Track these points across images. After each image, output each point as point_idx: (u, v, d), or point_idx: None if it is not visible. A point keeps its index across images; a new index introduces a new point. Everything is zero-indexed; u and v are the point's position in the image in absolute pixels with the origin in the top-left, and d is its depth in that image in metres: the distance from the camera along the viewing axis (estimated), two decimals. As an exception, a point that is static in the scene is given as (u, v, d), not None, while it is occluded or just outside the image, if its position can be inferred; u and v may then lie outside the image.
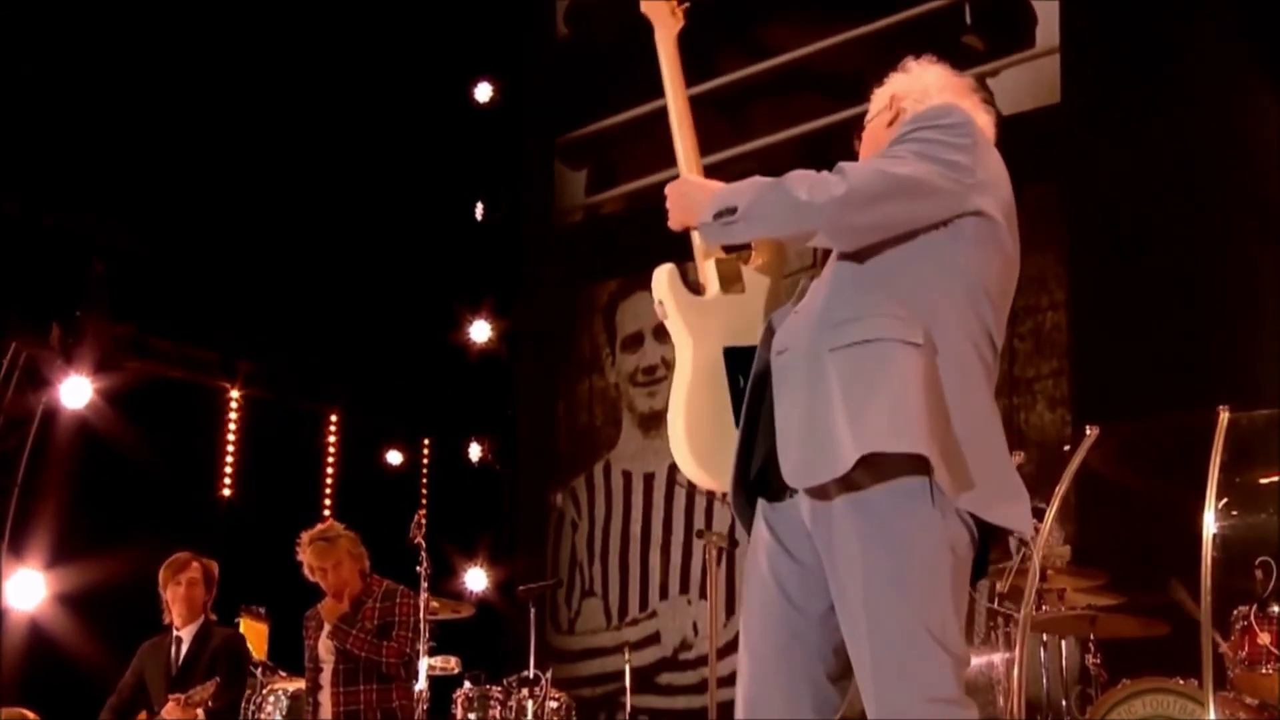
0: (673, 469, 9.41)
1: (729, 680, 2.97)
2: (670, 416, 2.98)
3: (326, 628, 6.34)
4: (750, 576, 2.96)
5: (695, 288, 3.09)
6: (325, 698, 6.28)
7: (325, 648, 6.35)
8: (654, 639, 9.69)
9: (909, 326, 2.73)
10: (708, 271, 3.08)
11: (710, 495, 9.04)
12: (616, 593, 10.04)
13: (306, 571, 6.43)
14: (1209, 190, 7.91)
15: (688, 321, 3.04)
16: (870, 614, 2.66)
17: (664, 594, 9.65)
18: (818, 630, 2.85)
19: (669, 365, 9.84)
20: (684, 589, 9.50)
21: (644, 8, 3.18)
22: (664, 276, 3.07)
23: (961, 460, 2.69)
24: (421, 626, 6.36)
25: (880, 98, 3.13)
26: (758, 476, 2.91)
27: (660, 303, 3.05)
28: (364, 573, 6.44)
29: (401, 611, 6.38)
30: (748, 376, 2.93)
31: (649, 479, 10.07)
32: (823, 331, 2.78)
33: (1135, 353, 7.89)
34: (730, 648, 3.01)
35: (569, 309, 10.77)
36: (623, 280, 10.42)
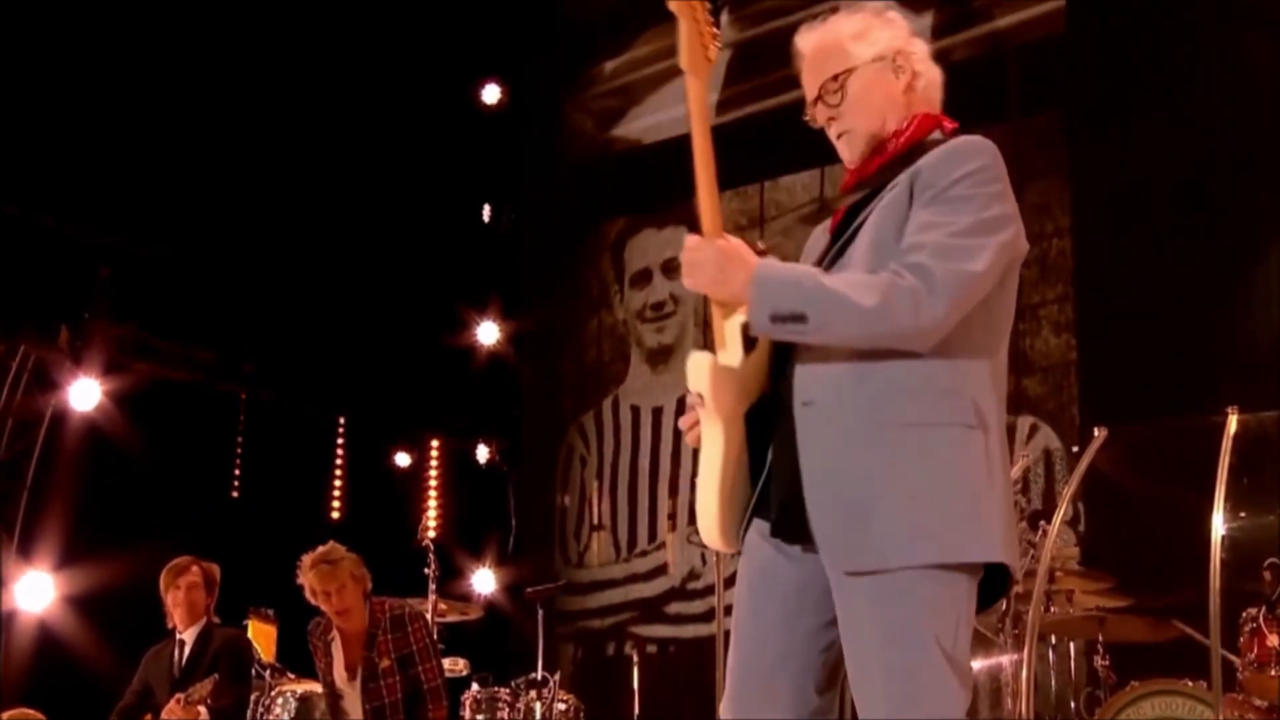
0: (681, 402, 9.55)
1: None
2: (702, 499, 2.82)
3: (340, 663, 6.32)
4: (742, 586, 2.93)
5: (709, 344, 2.88)
6: None
7: (343, 680, 6.34)
8: (662, 570, 9.84)
9: (963, 405, 2.73)
10: (729, 331, 2.82)
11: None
12: (625, 526, 10.16)
13: (309, 595, 6.36)
14: (1218, 125, 7.97)
15: (720, 406, 2.80)
16: (886, 671, 2.67)
17: (672, 525, 9.76)
18: (810, 640, 2.85)
19: (677, 301, 10.03)
20: (692, 520, 9.54)
21: (683, 61, 2.90)
22: (706, 368, 2.79)
23: (1003, 529, 2.75)
24: (436, 641, 6.38)
25: (841, 49, 2.97)
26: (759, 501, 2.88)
27: (700, 396, 2.80)
28: (367, 594, 6.38)
29: (417, 639, 6.32)
30: (766, 430, 2.84)
31: (657, 413, 10.18)
32: (862, 391, 2.73)
33: (1139, 286, 8.02)
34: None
35: (573, 312, 10.79)
36: (630, 218, 10.46)
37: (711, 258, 2.74)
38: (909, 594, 2.65)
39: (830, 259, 2.88)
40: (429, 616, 6.73)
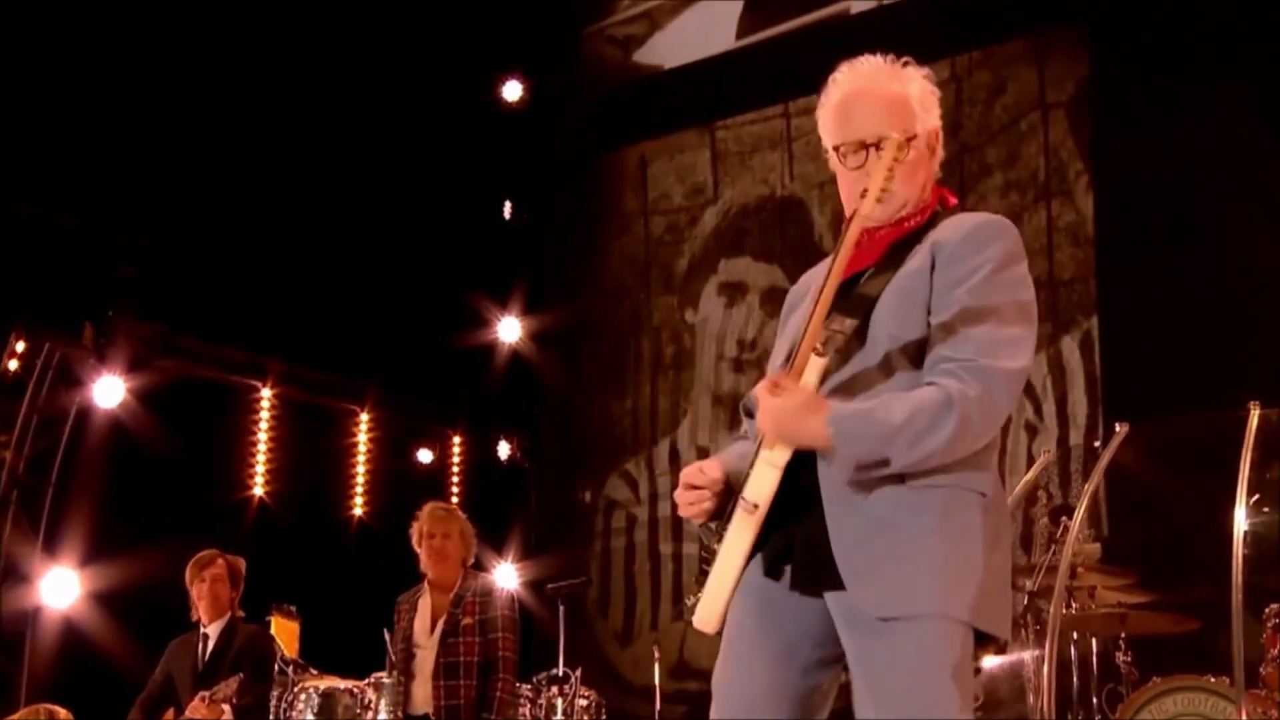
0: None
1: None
2: (715, 589, 2.89)
3: (425, 617, 6.40)
4: (738, 630, 2.97)
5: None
6: (420, 688, 6.40)
7: (423, 632, 6.42)
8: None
9: (978, 473, 2.84)
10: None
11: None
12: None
13: (415, 541, 6.59)
14: (1245, 116, 7.97)
15: (763, 515, 2.87)
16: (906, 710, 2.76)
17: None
18: (801, 679, 2.93)
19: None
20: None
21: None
22: (772, 483, 2.84)
23: (998, 599, 2.86)
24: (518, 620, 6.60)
25: (892, 112, 2.96)
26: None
27: (755, 506, 2.84)
28: (466, 561, 6.64)
29: (503, 608, 6.54)
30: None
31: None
32: None
33: (1162, 281, 8.02)
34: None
35: (596, 309, 10.82)
36: (652, 141, 10.59)
37: (795, 407, 2.78)
38: (932, 641, 2.76)
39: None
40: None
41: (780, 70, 9.74)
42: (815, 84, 3.10)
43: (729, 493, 2.92)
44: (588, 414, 10.72)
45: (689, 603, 2.93)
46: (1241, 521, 5.06)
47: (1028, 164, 8.93)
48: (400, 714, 6.22)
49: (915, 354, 2.83)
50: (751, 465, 2.85)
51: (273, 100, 9.38)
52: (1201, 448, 6.53)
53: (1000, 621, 2.84)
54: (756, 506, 2.81)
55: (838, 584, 2.79)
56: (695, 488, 2.95)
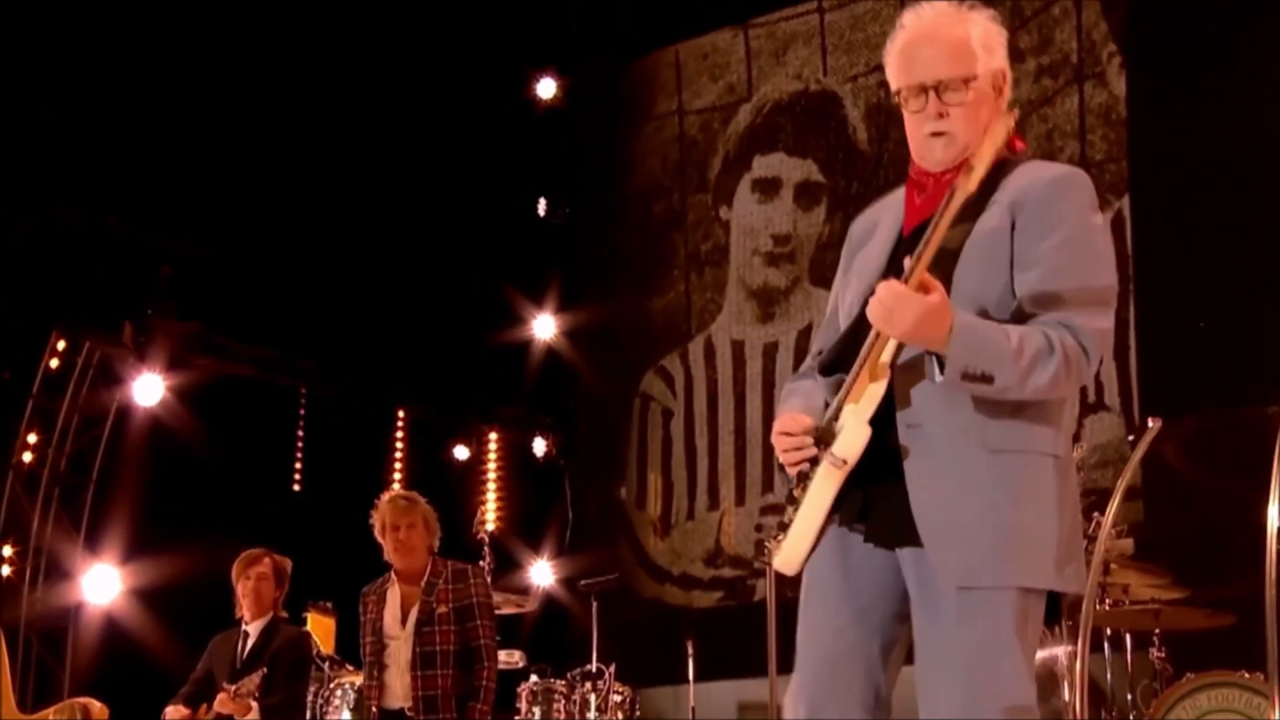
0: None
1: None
2: (800, 535, 2.93)
3: (395, 607, 6.33)
4: (817, 583, 3.02)
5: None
6: (395, 678, 6.21)
7: (394, 623, 6.30)
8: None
9: (1054, 435, 2.89)
10: (869, 394, 2.89)
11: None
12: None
13: (378, 532, 6.37)
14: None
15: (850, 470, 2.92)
16: (970, 678, 2.81)
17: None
18: (880, 633, 2.98)
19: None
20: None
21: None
22: (862, 440, 2.86)
23: (1081, 558, 2.95)
24: (493, 603, 6.41)
25: (959, 57, 2.97)
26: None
27: (844, 461, 2.87)
28: (432, 549, 6.40)
29: (478, 593, 6.31)
30: None
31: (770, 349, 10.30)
32: (959, 416, 2.84)
33: (1197, 277, 8.01)
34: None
35: (627, 302, 10.86)
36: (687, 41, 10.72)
37: (916, 311, 2.75)
38: (1005, 609, 2.80)
39: (901, 256, 2.91)
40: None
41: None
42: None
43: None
44: (621, 410, 10.74)
45: (769, 547, 2.96)
46: (1275, 518, 5.02)
47: (1060, 48, 8.99)
48: (375, 709, 6.14)
49: (996, 311, 2.86)
50: (836, 418, 2.90)
51: (310, 101, 9.44)
52: (1235, 444, 6.51)
53: (1074, 577, 2.89)
54: (845, 462, 2.86)
55: (914, 542, 2.84)
56: (792, 435, 2.97)
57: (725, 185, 10.48)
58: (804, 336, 9.61)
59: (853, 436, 2.86)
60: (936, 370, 2.79)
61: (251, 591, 6.66)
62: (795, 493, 2.94)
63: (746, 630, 7.26)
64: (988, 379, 2.76)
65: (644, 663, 7.78)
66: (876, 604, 2.96)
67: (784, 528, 2.95)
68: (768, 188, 10.26)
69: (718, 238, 10.48)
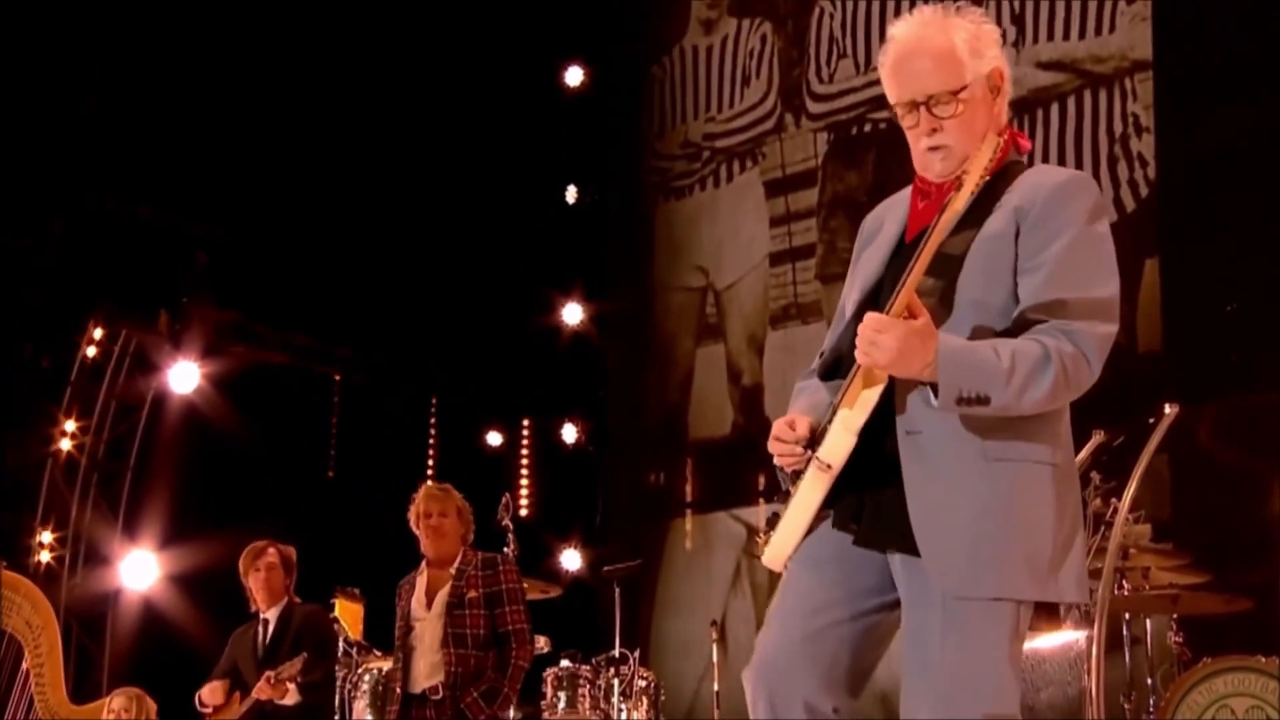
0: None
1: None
2: (787, 531, 2.97)
3: (421, 592, 6.42)
4: (801, 567, 3.05)
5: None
6: (419, 659, 6.29)
7: (420, 607, 6.37)
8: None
9: (1052, 443, 2.89)
10: (864, 399, 2.88)
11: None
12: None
13: (413, 521, 6.47)
14: None
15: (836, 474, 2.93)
16: (956, 682, 2.84)
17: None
18: (856, 620, 2.99)
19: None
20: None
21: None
22: (847, 446, 2.87)
23: (1080, 568, 2.94)
24: (524, 590, 6.50)
25: (944, 59, 2.95)
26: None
27: (829, 466, 2.89)
28: (465, 538, 6.50)
29: (507, 580, 6.40)
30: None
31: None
32: (969, 427, 2.84)
33: (1222, 261, 7.89)
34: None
35: (655, 293, 10.90)
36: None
37: (897, 339, 2.75)
38: (996, 620, 2.84)
39: (900, 262, 2.94)
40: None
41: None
42: None
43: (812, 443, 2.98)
44: (651, 398, 10.78)
45: (759, 541, 3.02)
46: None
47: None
48: (398, 693, 6.24)
49: (999, 318, 2.86)
50: (829, 423, 2.91)
51: (342, 91, 9.51)
52: (1255, 430, 6.51)
53: (1072, 586, 2.90)
54: (829, 467, 2.87)
55: (908, 548, 2.86)
56: (784, 442, 2.99)
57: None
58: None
59: (837, 442, 2.87)
60: (932, 396, 2.79)
61: (264, 582, 6.80)
62: (790, 490, 2.98)
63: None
64: (983, 400, 2.76)
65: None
66: (859, 597, 2.98)
67: (773, 524, 3.00)
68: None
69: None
